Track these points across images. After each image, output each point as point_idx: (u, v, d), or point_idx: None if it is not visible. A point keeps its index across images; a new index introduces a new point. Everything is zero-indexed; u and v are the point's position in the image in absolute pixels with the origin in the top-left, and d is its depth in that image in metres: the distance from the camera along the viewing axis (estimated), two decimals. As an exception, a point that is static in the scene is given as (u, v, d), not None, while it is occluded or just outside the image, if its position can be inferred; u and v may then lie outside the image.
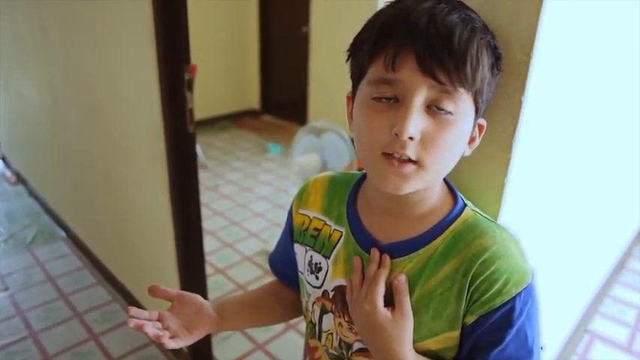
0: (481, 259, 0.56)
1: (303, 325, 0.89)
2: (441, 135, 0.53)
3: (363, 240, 0.65)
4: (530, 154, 0.74)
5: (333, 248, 0.68)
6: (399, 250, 0.62)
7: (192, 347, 1.83)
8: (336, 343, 0.69)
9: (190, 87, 1.46)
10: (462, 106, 0.53)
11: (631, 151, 1.76)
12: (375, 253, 0.63)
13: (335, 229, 0.69)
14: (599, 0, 0.84)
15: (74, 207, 2.65)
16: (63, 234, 2.82)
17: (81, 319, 2.15)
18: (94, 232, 2.47)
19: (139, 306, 0.68)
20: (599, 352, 2.04)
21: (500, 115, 0.66)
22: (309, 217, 0.73)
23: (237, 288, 2.42)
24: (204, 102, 3.81)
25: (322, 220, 0.71)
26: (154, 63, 1.46)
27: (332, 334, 0.70)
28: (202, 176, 3.41)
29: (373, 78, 0.54)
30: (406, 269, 0.61)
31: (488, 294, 0.56)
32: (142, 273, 2.07)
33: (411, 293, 0.60)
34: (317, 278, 0.70)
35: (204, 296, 0.78)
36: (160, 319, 0.67)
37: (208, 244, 2.67)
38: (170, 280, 1.78)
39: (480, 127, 0.61)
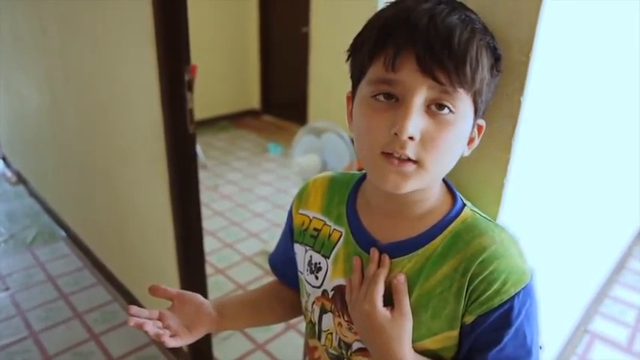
0: (480, 259, 0.57)
1: (303, 325, 0.89)
2: (440, 135, 0.53)
3: (363, 240, 0.65)
4: (530, 155, 0.74)
5: (333, 248, 0.68)
6: (398, 249, 0.62)
7: (193, 347, 1.83)
8: (335, 343, 0.70)
9: (190, 87, 1.46)
10: (461, 107, 0.54)
11: (631, 151, 1.76)
12: (374, 252, 0.63)
13: (335, 229, 0.69)
14: (598, 0, 0.84)
15: (74, 207, 2.65)
16: (63, 234, 2.83)
17: (81, 319, 2.15)
18: (95, 233, 2.48)
19: (139, 306, 0.68)
20: (599, 352, 2.04)
21: (499, 115, 0.66)
22: (309, 217, 0.73)
23: (237, 288, 2.42)
24: (204, 102, 3.81)
25: (322, 220, 0.71)
26: (154, 63, 1.46)
27: (331, 333, 0.70)
28: (202, 176, 3.41)
29: (373, 78, 0.54)
30: (405, 269, 0.61)
31: (487, 294, 0.56)
32: (142, 273, 2.07)
33: (410, 293, 0.60)
34: (317, 278, 0.70)
35: (205, 296, 0.79)
36: (160, 318, 0.67)
37: (208, 244, 2.67)
38: (170, 280, 1.78)
39: (479, 127, 0.61)
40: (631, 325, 2.20)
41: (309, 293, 0.72)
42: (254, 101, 5.48)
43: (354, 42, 0.59)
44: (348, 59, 0.60)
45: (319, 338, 0.73)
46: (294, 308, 0.82)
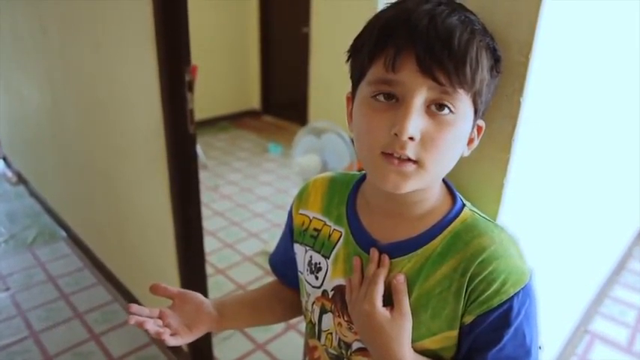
0: (479, 259, 0.57)
1: (303, 325, 0.89)
2: (440, 135, 0.53)
3: (363, 240, 0.65)
4: (529, 155, 0.74)
5: (333, 248, 0.69)
6: (397, 250, 0.62)
7: (193, 347, 1.83)
8: (335, 343, 0.70)
9: (191, 87, 1.46)
10: (461, 107, 0.54)
11: (631, 151, 1.76)
12: (374, 253, 0.63)
13: (334, 230, 0.69)
14: (597, 1, 0.84)
15: (75, 207, 2.65)
16: (64, 234, 2.83)
17: (81, 319, 2.15)
18: (95, 233, 2.48)
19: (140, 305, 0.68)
20: (599, 352, 2.04)
21: (498, 115, 0.66)
22: (309, 218, 0.73)
23: (237, 288, 2.42)
24: (204, 102, 3.81)
25: (322, 221, 0.71)
26: (154, 63, 1.46)
27: (331, 333, 0.70)
28: (203, 176, 3.41)
29: (373, 78, 0.55)
30: (405, 269, 0.61)
31: (486, 294, 0.56)
32: (142, 273, 2.08)
33: (409, 293, 0.60)
34: (317, 278, 0.71)
35: (205, 296, 0.79)
36: (160, 317, 0.67)
37: (209, 244, 2.67)
38: (171, 280, 1.78)
39: (479, 128, 0.61)
40: (631, 325, 2.20)
41: (309, 293, 0.72)
42: (254, 101, 5.48)
43: (354, 43, 0.59)
44: (348, 60, 0.60)
45: (319, 338, 0.73)
46: (294, 308, 0.82)
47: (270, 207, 3.33)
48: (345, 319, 0.67)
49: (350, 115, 0.62)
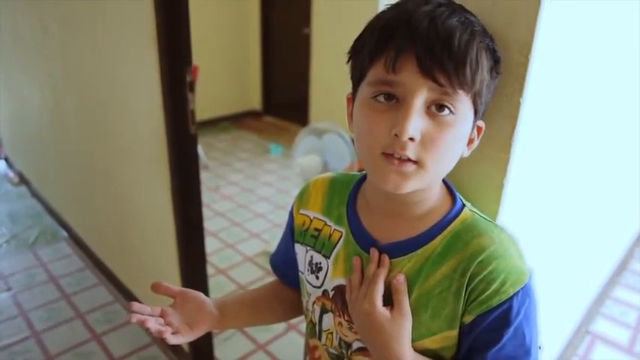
0: (479, 259, 0.57)
1: (303, 326, 0.89)
2: (440, 136, 0.54)
3: (363, 240, 0.65)
4: (529, 155, 0.74)
5: (333, 248, 0.69)
6: (397, 250, 0.62)
7: (194, 347, 1.84)
8: (335, 343, 0.70)
9: (192, 88, 1.47)
10: (461, 108, 0.54)
11: (631, 151, 1.76)
12: (374, 253, 0.63)
13: (335, 230, 0.69)
14: (597, 1, 0.84)
15: (76, 208, 2.66)
16: (65, 235, 2.83)
17: (83, 320, 2.15)
18: (96, 233, 2.48)
19: (141, 306, 0.68)
20: (600, 353, 2.04)
21: (498, 116, 0.66)
22: (310, 218, 0.74)
23: (238, 288, 2.42)
24: (205, 103, 3.82)
25: (322, 221, 0.71)
26: (155, 64, 1.47)
27: (332, 333, 0.70)
28: (204, 177, 3.41)
29: (374, 79, 0.55)
30: (405, 269, 0.61)
31: (486, 293, 0.56)
32: (143, 273, 2.08)
33: (409, 293, 0.61)
34: (317, 278, 0.71)
35: (206, 296, 0.79)
36: (162, 315, 0.67)
37: (210, 244, 2.68)
38: (172, 280, 1.79)
39: (479, 128, 0.61)
40: (632, 326, 2.20)
41: (310, 293, 0.73)
42: (255, 102, 5.49)
43: (354, 44, 0.59)
44: (348, 61, 0.60)
45: (320, 338, 0.73)
46: (295, 308, 0.82)
47: (271, 207, 3.33)
48: (346, 318, 0.67)
49: (350, 115, 0.62)
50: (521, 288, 0.57)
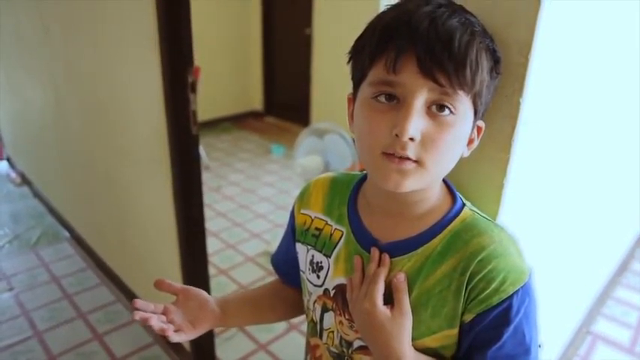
0: (479, 258, 0.57)
1: (305, 326, 0.90)
2: (440, 136, 0.54)
3: (364, 239, 0.66)
4: (529, 155, 0.74)
5: (334, 247, 0.69)
6: (398, 249, 0.63)
7: (195, 347, 1.84)
8: (336, 341, 0.70)
9: (193, 89, 1.47)
10: (461, 108, 0.54)
11: (632, 151, 1.76)
12: (374, 252, 0.64)
13: (336, 229, 0.70)
14: (597, 1, 0.84)
15: (78, 208, 2.66)
16: (67, 235, 2.84)
17: (85, 319, 2.16)
18: (98, 233, 2.49)
19: (142, 305, 0.69)
20: (601, 353, 2.04)
21: (498, 116, 0.67)
22: (311, 217, 0.74)
23: (239, 289, 2.43)
24: (207, 103, 3.83)
25: (323, 220, 0.72)
26: (157, 64, 1.47)
27: (333, 332, 0.71)
28: (205, 177, 3.40)
29: (374, 80, 0.55)
30: (405, 268, 0.62)
31: (486, 292, 0.57)
32: (144, 273, 2.08)
33: (409, 292, 0.61)
34: (318, 277, 0.71)
35: (207, 296, 0.80)
36: (164, 313, 0.68)
37: (211, 245, 2.68)
38: (173, 280, 1.77)
39: (479, 128, 0.62)
40: (633, 326, 2.20)
41: (311, 292, 0.73)
42: (257, 103, 5.49)
43: (355, 44, 0.59)
44: (349, 61, 0.61)
45: (321, 337, 0.73)
46: (296, 307, 0.83)
47: (272, 208, 3.34)
48: (347, 317, 0.67)
49: (351, 116, 0.62)
50: (521, 287, 0.57)
